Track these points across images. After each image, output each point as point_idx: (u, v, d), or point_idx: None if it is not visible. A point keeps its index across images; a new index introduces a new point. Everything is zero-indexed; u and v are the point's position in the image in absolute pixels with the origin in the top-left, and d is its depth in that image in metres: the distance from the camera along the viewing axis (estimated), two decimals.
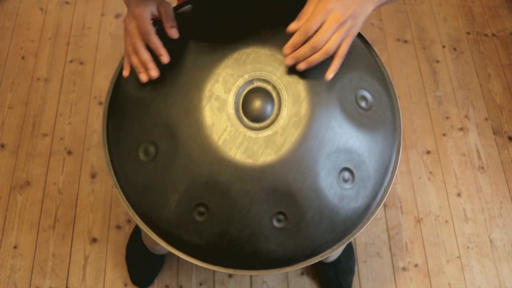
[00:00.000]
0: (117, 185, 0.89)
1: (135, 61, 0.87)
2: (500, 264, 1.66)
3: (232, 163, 0.80)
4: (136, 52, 0.86)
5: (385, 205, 1.72)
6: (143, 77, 0.86)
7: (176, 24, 0.87)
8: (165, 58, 0.85)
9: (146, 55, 0.86)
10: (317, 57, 0.79)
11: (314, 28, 0.78)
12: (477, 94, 1.95)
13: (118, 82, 0.94)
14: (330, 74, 0.81)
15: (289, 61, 0.81)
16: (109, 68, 1.91)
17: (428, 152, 1.82)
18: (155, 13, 0.87)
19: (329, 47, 0.79)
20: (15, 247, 1.60)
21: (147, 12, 0.85)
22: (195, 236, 0.84)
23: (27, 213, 1.65)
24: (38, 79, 1.88)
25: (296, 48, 0.80)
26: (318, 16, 0.78)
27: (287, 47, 0.80)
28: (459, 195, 1.76)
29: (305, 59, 0.80)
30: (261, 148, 0.80)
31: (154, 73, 0.85)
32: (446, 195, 1.75)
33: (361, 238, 1.67)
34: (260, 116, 0.82)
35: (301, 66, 0.81)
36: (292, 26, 0.81)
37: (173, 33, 0.86)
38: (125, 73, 0.90)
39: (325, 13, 0.78)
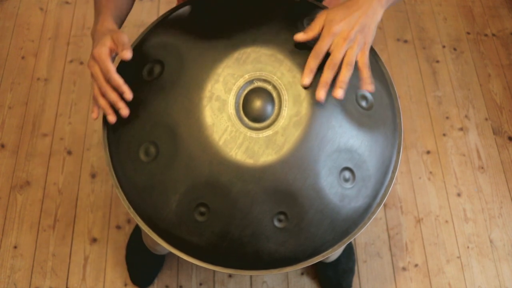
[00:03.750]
0: (118, 185, 0.89)
1: (102, 103, 0.86)
2: (500, 264, 1.66)
3: (233, 163, 0.80)
4: (103, 94, 0.86)
5: (385, 205, 1.73)
6: (112, 118, 0.86)
7: (128, 47, 0.85)
8: (128, 95, 0.84)
9: (113, 96, 0.85)
10: (344, 73, 0.80)
11: (325, 50, 0.80)
12: (477, 94, 1.95)
13: None
14: (367, 86, 0.82)
15: (321, 94, 0.81)
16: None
17: (428, 152, 1.82)
18: (113, 47, 0.86)
19: (349, 59, 0.80)
20: (15, 247, 1.60)
21: (105, 51, 0.85)
22: (196, 236, 0.84)
23: (27, 213, 1.65)
24: (38, 79, 1.88)
25: (313, 72, 0.81)
26: (326, 38, 0.80)
27: (306, 75, 0.81)
28: (459, 195, 1.76)
29: (330, 82, 0.81)
30: (261, 148, 0.80)
31: (125, 111, 0.85)
32: (446, 195, 1.76)
33: (361, 238, 1.67)
34: (261, 116, 0.82)
35: (338, 93, 0.80)
36: (299, 36, 0.82)
37: (125, 55, 0.84)
38: (94, 115, 0.89)
39: (332, 35, 0.80)
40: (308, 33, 0.82)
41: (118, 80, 0.84)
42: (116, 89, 0.85)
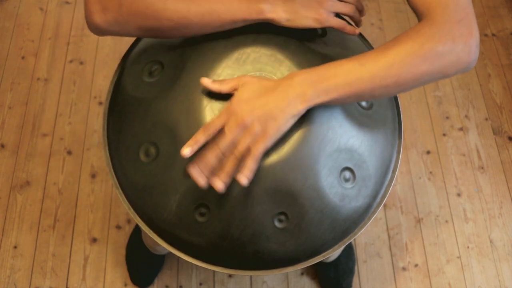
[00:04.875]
0: (118, 185, 0.89)
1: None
2: (500, 264, 1.66)
3: None
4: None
5: (385, 205, 1.73)
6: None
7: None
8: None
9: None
10: (229, 165, 0.72)
11: (217, 128, 0.72)
12: (477, 94, 1.95)
13: (118, 82, 0.94)
14: (242, 178, 0.71)
15: (195, 175, 0.73)
16: (109, 68, 1.91)
17: (428, 152, 1.82)
18: None
19: (237, 150, 0.72)
20: (15, 247, 1.60)
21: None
22: (196, 237, 0.84)
23: (27, 213, 1.65)
24: (38, 79, 1.88)
25: (197, 144, 0.73)
26: (223, 115, 0.72)
27: (188, 145, 0.72)
28: (459, 195, 1.76)
29: (212, 169, 0.73)
30: None
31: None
32: (446, 195, 1.76)
33: (361, 238, 1.67)
34: None
35: (219, 186, 0.72)
36: (205, 80, 0.76)
37: None
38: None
39: (229, 114, 0.72)
40: (216, 85, 0.75)
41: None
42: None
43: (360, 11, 0.89)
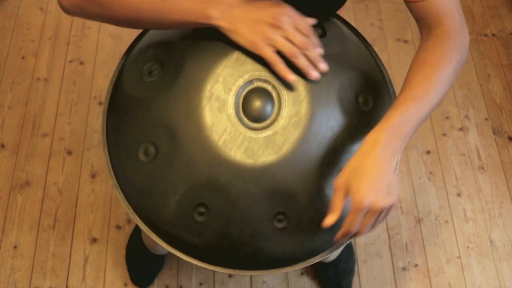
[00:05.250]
0: (117, 185, 0.89)
1: (303, 62, 0.80)
2: (500, 264, 1.66)
3: (232, 164, 0.80)
4: (303, 53, 0.80)
5: None
6: (316, 74, 0.80)
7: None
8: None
9: (315, 53, 0.80)
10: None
11: (356, 229, 0.77)
12: (477, 94, 1.95)
13: (118, 82, 0.94)
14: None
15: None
16: (109, 68, 1.91)
17: (428, 152, 1.82)
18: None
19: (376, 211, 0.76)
20: (15, 247, 1.60)
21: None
22: (195, 237, 0.84)
23: (27, 213, 1.65)
24: (38, 79, 1.88)
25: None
26: (356, 217, 0.75)
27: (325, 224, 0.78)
28: (459, 195, 1.76)
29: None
30: (261, 148, 0.80)
31: (324, 66, 0.81)
32: (446, 195, 1.75)
33: (361, 238, 1.67)
34: (260, 116, 0.82)
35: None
36: (328, 221, 0.78)
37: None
38: (292, 78, 0.80)
39: (362, 212, 0.75)
40: (335, 213, 0.77)
41: (316, 40, 0.80)
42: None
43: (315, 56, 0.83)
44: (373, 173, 0.75)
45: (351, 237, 0.81)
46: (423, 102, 0.79)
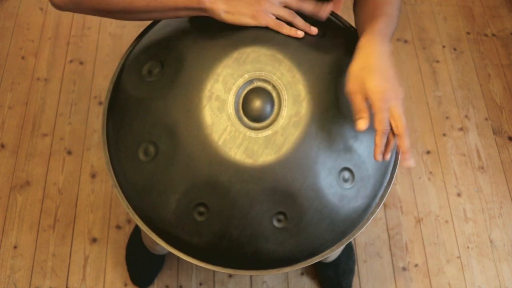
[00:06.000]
0: (117, 185, 0.89)
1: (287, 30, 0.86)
2: (500, 264, 1.66)
3: (232, 163, 0.80)
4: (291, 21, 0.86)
5: (385, 205, 1.73)
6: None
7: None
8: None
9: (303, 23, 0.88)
10: (403, 141, 0.77)
11: (387, 127, 0.77)
12: (477, 94, 1.95)
13: (118, 82, 0.94)
14: (409, 161, 0.77)
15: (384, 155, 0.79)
16: (109, 68, 1.91)
17: (428, 152, 1.82)
18: None
19: (401, 129, 0.77)
20: (15, 247, 1.60)
21: None
22: (195, 236, 0.84)
23: (27, 213, 1.65)
24: (38, 79, 1.88)
25: (383, 150, 0.78)
26: (383, 113, 0.76)
27: (379, 154, 0.78)
28: (459, 195, 1.76)
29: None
30: (261, 148, 0.80)
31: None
32: (446, 195, 1.75)
33: (361, 238, 1.67)
34: (260, 116, 0.82)
35: (408, 163, 0.77)
36: (361, 125, 0.77)
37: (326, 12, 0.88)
38: (300, 33, 0.85)
39: (387, 106, 0.76)
40: (363, 113, 0.77)
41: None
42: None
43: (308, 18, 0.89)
44: (381, 67, 0.78)
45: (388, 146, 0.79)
46: (392, 19, 0.87)
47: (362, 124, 0.77)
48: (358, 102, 0.77)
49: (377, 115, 0.76)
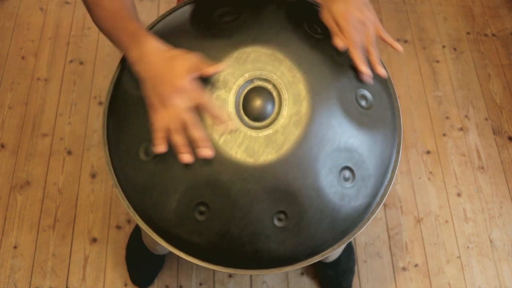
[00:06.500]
0: (117, 185, 0.89)
1: (179, 140, 0.77)
2: (500, 264, 1.66)
3: (232, 162, 0.80)
4: (185, 128, 0.77)
5: (385, 205, 1.73)
6: (188, 158, 0.77)
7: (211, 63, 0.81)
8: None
9: (202, 133, 0.77)
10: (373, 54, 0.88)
11: (361, 40, 0.86)
12: (477, 94, 1.95)
13: (118, 82, 0.94)
14: (382, 70, 0.87)
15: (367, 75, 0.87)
16: (109, 68, 1.91)
17: (428, 152, 1.82)
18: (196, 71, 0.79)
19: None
20: (15, 247, 1.60)
21: (197, 83, 0.77)
22: (196, 236, 0.84)
23: (27, 213, 1.65)
24: (38, 79, 1.88)
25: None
26: (350, 27, 0.85)
27: (366, 67, 0.85)
28: (459, 195, 1.76)
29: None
30: (261, 147, 0.80)
31: (210, 152, 0.77)
32: (446, 195, 1.75)
33: (361, 238, 1.67)
34: (261, 115, 0.82)
35: (381, 71, 0.88)
36: (340, 43, 0.85)
37: (219, 68, 0.81)
38: (162, 148, 0.78)
39: (352, 20, 0.85)
40: (346, 33, 0.86)
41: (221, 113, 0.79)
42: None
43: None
44: None
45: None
46: None
47: (338, 43, 0.86)
48: (331, 26, 0.87)
49: (344, 32, 0.85)
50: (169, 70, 0.77)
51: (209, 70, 0.79)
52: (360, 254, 1.64)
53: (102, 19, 0.85)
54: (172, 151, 0.82)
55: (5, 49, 1.94)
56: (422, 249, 1.66)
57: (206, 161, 0.80)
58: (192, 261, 0.87)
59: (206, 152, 0.77)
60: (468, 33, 2.08)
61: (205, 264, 0.87)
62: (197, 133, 0.77)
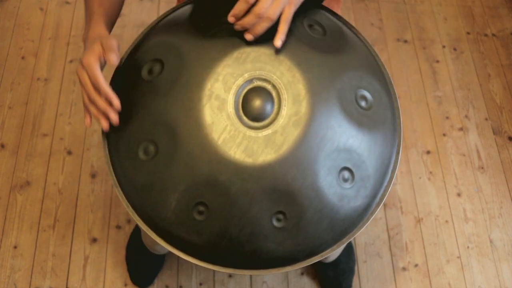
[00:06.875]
0: (117, 184, 0.89)
1: (93, 110, 0.88)
2: (500, 264, 1.66)
3: (232, 162, 0.80)
4: (92, 102, 0.87)
5: (385, 205, 1.72)
6: (104, 124, 0.88)
7: (116, 51, 0.87)
8: (116, 104, 0.86)
9: (102, 104, 0.86)
10: (262, 25, 0.82)
11: (272, 13, 0.82)
12: (477, 94, 1.95)
13: (118, 81, 0.94)
14: (278, 41, 0.83)
15: (238, 27, 0.84)
16: (109, 68, 1.91)
17: (428, 152, 1.82)
18: (102, 53, 0.88)
19: (272, 13, 0.81)
20: (15, 247, 1.60)
21: (94, 58, 0.86)
22: (195, 235, 0.84)
23: (27, 213, 1.65)
24: (38, 79, 1.88)
25: (239, 16, 0.83)
26: (264, 2, 0.81)
27: (230, 16, 0.83)
28: (459, 195, 1.76)
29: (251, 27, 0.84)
30: (261, 147, 0.80)
31: (115, 119, 0.87)
32: (446, 195, 1.75)
33: (361, 238, 1.67)
34: (260, 115, 0.82)
35: (248, 37, 0.83)
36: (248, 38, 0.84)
37: (111, 59, 0.86)
38: (87, 122, 0.91)
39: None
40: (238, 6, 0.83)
41: (106, 88, 0.85)
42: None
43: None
44: None
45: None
46: None
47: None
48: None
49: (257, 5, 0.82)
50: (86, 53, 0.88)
51: (108, 57, 0.87)
52: (360, 254, 1.64)
53: None
54: (172, 151, 0.82)
55: (5, 49, 1.94)
56: (422, 249, 1.66)
57: (206, 161, 0.80)
58: (191, 261, 0.87)
59: (112, 119, 0.87)
60: (468, 33, 2.08)
61: (204, 264, 0.87)
62: (99, 102, 0.87)
